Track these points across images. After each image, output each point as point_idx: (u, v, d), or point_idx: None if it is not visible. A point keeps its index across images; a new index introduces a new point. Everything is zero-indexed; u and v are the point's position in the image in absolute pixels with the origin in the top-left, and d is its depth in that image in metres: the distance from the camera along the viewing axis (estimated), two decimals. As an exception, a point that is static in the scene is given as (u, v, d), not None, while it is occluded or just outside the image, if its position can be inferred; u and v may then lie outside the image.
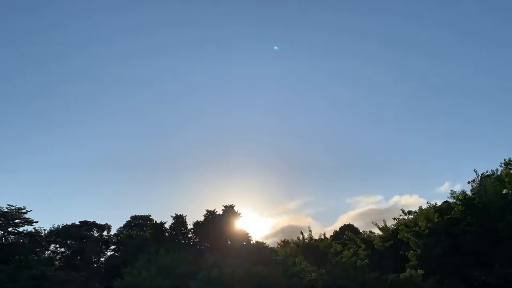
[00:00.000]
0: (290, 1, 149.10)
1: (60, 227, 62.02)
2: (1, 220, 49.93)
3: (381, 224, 50.38)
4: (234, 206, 66.78)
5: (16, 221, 50.80)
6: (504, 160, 40.67)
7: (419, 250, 39.74)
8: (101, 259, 64.04)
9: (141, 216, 67.16)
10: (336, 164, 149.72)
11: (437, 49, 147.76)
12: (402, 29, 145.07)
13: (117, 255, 62.10)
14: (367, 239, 51.80)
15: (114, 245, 64.87)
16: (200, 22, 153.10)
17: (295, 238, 46.35)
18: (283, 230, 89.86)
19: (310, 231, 44.59)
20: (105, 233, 65.49)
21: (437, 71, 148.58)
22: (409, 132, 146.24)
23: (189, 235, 64.45)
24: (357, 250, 48.32)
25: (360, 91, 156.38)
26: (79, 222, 64.19)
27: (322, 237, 46.76)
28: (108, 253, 64.75)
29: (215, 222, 60.89)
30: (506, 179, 38.52)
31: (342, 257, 42.12)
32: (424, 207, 42.57)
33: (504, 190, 38.91)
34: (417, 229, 40.82)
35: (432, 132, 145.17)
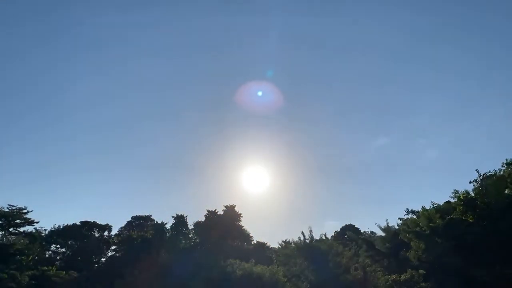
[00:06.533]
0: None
1: (61, 227, 62.17)
2: (2, 221, 49.87)
3: (383, 225, 50.27)
4: (235, 206, 67.03)
5: (17, 221, 50.68)
6: (506, 160, 40.40)
7: (420, 251, 39.61)
8: (102, 259, 64.16)
9: (142, 216, 67.21)
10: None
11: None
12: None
13: (118, 256, 62.18)
14: (368, 240, 51.68)
15: (115, 245, 64.89)
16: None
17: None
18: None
19: (311, 231, 44.42)
20: (106, 233, 65.53)
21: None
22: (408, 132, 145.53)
23: (190, 235, 64.63)
24: (358, 250, 48.12)
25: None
26: (80, 222, 64.28)
27: (323, 237, 46.58)
28: (109, 254, 64.84)
29: (216, 222, 61.05)
30: (508, 179, 38.27)
31: (343, 257, 41.95)
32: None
33: (506, 190, 38.67)
34: (418, 229, 40.66)
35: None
